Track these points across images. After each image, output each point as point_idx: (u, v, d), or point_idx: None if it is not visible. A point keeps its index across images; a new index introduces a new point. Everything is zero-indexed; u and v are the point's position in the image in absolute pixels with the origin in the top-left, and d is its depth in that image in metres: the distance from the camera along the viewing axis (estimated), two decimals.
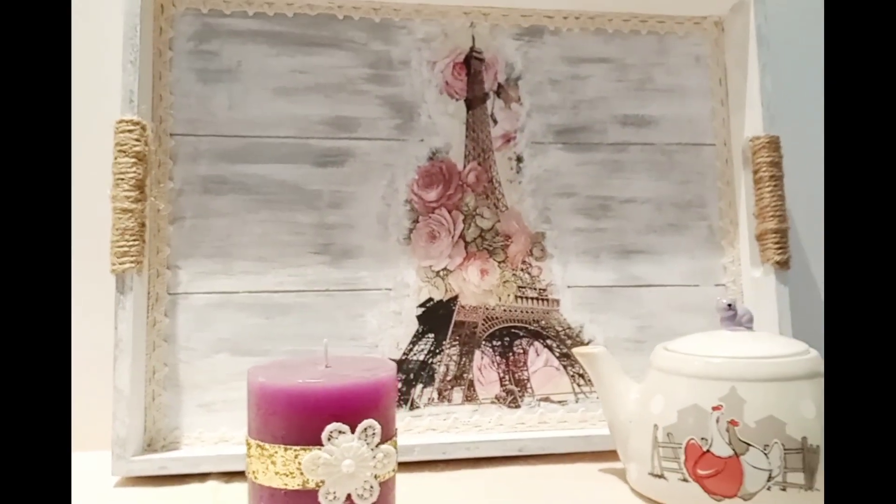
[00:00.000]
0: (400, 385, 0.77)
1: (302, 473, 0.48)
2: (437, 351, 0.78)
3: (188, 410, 0.73)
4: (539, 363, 0.80)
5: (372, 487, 0.49)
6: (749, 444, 0.54)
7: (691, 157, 0.86)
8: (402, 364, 0.77)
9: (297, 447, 0.48)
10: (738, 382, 0.55)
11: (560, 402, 0.79)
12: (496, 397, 0.79)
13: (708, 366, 0.57)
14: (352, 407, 0.49)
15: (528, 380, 0.79)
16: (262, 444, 0.49)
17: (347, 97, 0.80)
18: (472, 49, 0.83)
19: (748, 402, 0.55)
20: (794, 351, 0.59)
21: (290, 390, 0.48)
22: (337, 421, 0.48)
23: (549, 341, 0.80)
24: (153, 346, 0.72)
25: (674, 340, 0.64)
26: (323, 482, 0.48)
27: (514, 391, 0.79)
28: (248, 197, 0.77)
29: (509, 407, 0.78)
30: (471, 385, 0.78)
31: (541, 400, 0.79)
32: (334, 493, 0.48)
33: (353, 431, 0.48)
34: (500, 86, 0.83)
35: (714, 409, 0.55)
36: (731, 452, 0.55)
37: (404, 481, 0.66)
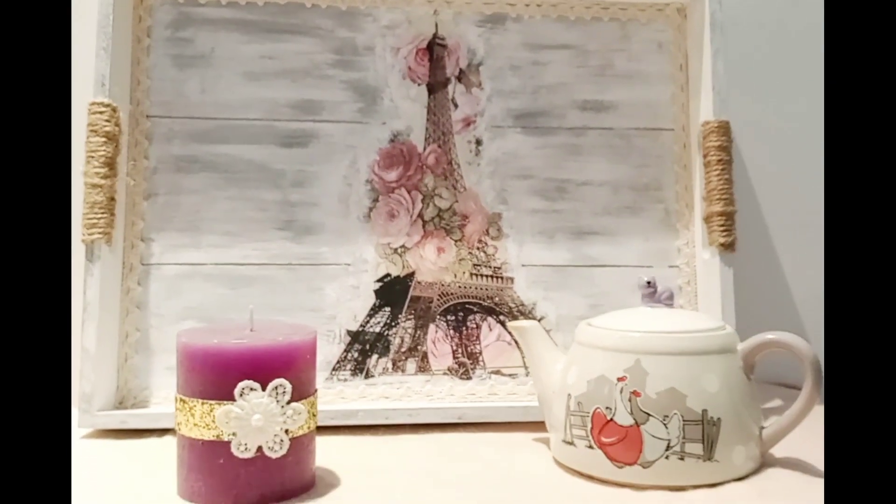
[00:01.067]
0: (356, 355, 0.80)
1: (216, 426, 0.52)
2: (393, 324, 0.81)
3: (157, 372, 0.77)
4: (492, 338, 0.82)
5: (282, 441, 0.53)
6: (649, 415, 0.56)
7: (650, 142, 0.86)
8: (358, 335, 0.80)
9: (213, 401, 0.52)
10: (643, 355, 0.57)
11: (510, 375, 0.82)
12: (448, 369, 0.81)
13: (616, 339, 0.59)
14: (264, 367, 0.52)
15: (481, 353, 0.82)
16: (184, 398, 0.53)
17: (313, 81, 0.83)
18: (434, 36, 0.85)
19: (651, 374, 0.56)
20: (706, 327, 0.60)
21: (207, 349, 0.52)
22: (249, 379, 0.52)
23: (502, 317, 0.82)
24: (126, 312, 0.77)
25: (597, 317, 0.65)
26: (235, 434, 0.52)
27: (466, 363, 0.82)
28: (218, 175, 0.80)
29: (461, 378, 0.81)
30: (424, 357, 0.81)
31: (492, 373, 0.82)
32: (245, 444, 0.52)
33: (263, 389, 0.52)
34: (461, 71, 0.85)
35: (619, 379, 0.57)
36: (632, 422, 0.56)
37: (345, 443, 0.70)
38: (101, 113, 0.73)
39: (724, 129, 0.81)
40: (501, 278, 0.83)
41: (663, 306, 0.63)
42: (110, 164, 0.73)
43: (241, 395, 0.52)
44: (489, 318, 0.82)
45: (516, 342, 0.79)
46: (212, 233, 0.80)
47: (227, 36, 0.82)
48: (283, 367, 0.53)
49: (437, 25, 0.85)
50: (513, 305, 0.83)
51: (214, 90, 0.81)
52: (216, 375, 0.52)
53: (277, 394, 0.52)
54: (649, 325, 0.59)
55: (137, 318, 0.78)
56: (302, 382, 0.54)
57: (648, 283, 0.63)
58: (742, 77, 0.92)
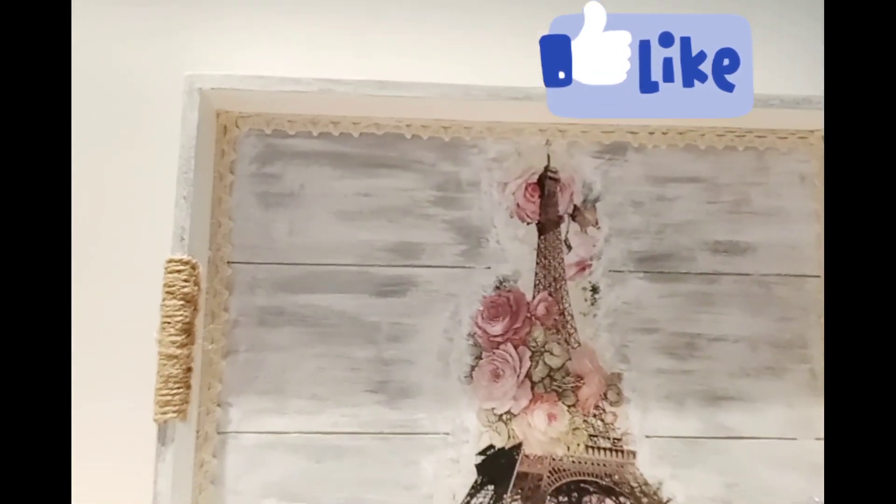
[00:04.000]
0: None
1: None
2: None
3: None
4: None
5: None
6: None
7: (792, 290, 0.73)
8: None
9: None
10: None
11: None
12: None
13: None
14: None
15: None
16: None
17: (413, 221, 0.71)
18: (546, 169, 0.73)
19: None
20: None
21: None
22: None
23: (622, 499, 0.69)
24: (199, 489, 0.66)
25: None
26: None
27: None
28: (305, 329, 0.69)
29: None
30: None
31: None
32: None
33: None
34: (575, 208, 0.73)
35: None
36: None
37: None
38: (178, 272, 0.63)
39: None
40: (622, 452, 0.70)
41: None
42: (188, 329, 0.63)
43: None
44: (608, 500, 0.69)
45: None
46: (297, 396, 0.68)
47: (319, 171, 0.71)
48: None
49: (549, 157, 0.73)
50: (635, 485, 0.69)
51: (303, 232, 0.70)
52: None
53: None
54: None
55: (212, 495, 0.67)
56: None
57: None
58: None
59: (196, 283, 0.64)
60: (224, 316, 0.69)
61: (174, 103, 0.64)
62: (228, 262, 0.69)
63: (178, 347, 0.62)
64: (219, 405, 0.68)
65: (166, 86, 0.72)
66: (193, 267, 0.63)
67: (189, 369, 0.63)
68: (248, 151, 0.71)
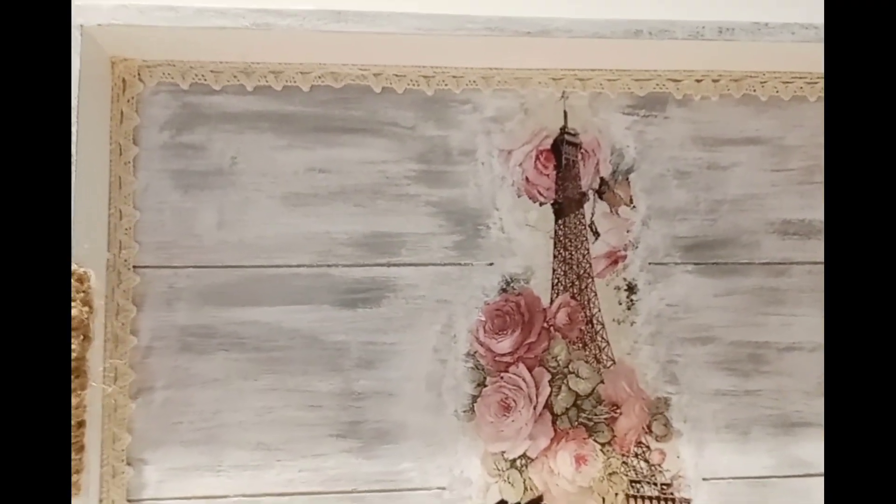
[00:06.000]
0: None
1: None
2: None
3: None
4: None
5: None
6: None
7: None
8: None
9: None
10: None
11: None
12: None
13: None
14: None
15: None
16: None
17: (387, 205, 0.53)
18: (563, 130, 0.56)
19: None
20: None
21: None
22: None
23: None
24: None
25: None
26: None
27: None
28: (244, 355, 0.51)
29: None
30: None
31: None
32: None
33: None
34: (602, 182, 0.56)
35: None
36: None
37: None
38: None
39: None
40: (673, 501, 0.54)
41: None
42: (77, 368, 0.44)
43: None
44: None
45: None
46: (237, 447, 0.51)
47: (256, 139, 0.53)
48: None
49: (565, 115, 0.56)
50: None
51: (238, 223, 0.52)
52: None
53: None
54: None
55: None
56: None
57: None
58: None
59: (86, 302, 0.45)
60: (131, 342, 0.50)
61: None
62: (135, 268, 0.51)
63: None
64: (129, 464, 0.50)
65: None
66: (81, 279, 0.45)
67: (81, 424, 0.44)
68: (158, 114, 0.52)
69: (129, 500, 0.49)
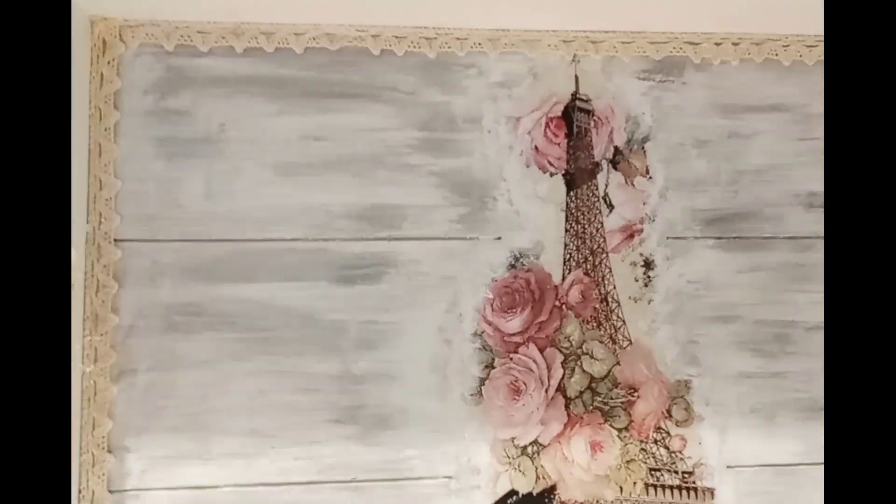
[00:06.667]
0: None
1: None
2: None
3: None
4: None
5: None
6: None
7: None
8: None
9: None
10: None
11: None
12: None
13: None
14: None
15: None
16: None
17: (387, 175, 0.50)
18: (574, 96, 0.52)
19: None
20: None
21: None
22: None
23: None
24: None
25: None
26: None
27: None
28: (234, 335, 0.48)
29: None
30: None
31: None
32: None
33: None
34: (617, 151, 0.52)
35: None
36: None
37: None
38: None
39: None
40: (695, 490, 0.50)
41: None
42: None
43: None
44: None
45: None
46: (227, 433, 0.48)
47: (246, 104, 0.50)
48: None
49: (577, 80, 0.52)
50: None
51: (227, 194, 0.49)
52: None
53: None
54: None
55: None
56: None
57: None
58: None
59: None
60: (112, 320, 0.47)
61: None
62: (116, 241, 0.48)
63: None
64: (110, 451, 0.46)
65: None
66: None
67: None
68: (141, 77, 0.49)
69: (110, 491, 0.46)
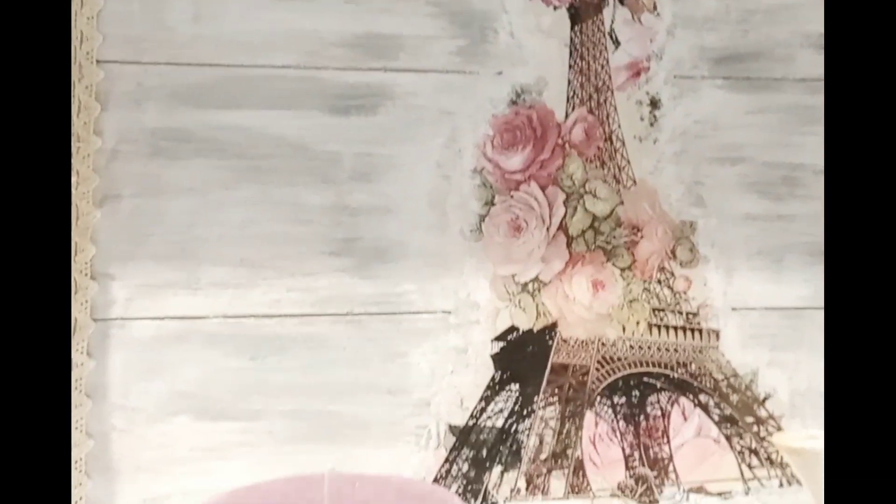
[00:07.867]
0: (465, 467, 0.47)
1: None
2: (525, 412, 0.47)
3: None
4: (688, 432, 0.49)
5: None
6: None
7: None
8: (468, 433, 0.47)
9: None
10: None
11: (721, 494, 0.48)
12: (619, 487, 0.48)
13: None
14: None
15: (671, 459, 0.48)
16: None
17: (383, 2, 0.48)
18: None
19: None
20: None
21: None
22: None
23: (703, 396, 0.49)
24: (72, 406, 0.43)
25: None
26: None
27: (649, 477, 0.48)
28: (224, 162, 0.46)
29: (639, 503, 0.48)
30: (579, 468, 0.47)
31: (690, 491, 0.48)
32: None
33: None
34: None
35: None
36: None
37: None
38: None
39: None
40: (700, 331, 0.49)
41: None
42: None
43: None
44: (682, 399, 0.49)
45: (727, 439, 0.46)
46: (216, 263, 0.46)
47: None
48: None
49: None
50: (720, 377, 0.49)
51: (216, 16, 0.47)
52: None
53: None
54: None
55: (88, 414, 0.43)
56: None
57: None
58: None
59: None
60: (95, 143, 0.45)
61: None
62: (98, 62, 0.45)
63: None
64: (93, 278, 0.44)
65: None
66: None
67: None
68: None
69: (94, 319, 0.44)
